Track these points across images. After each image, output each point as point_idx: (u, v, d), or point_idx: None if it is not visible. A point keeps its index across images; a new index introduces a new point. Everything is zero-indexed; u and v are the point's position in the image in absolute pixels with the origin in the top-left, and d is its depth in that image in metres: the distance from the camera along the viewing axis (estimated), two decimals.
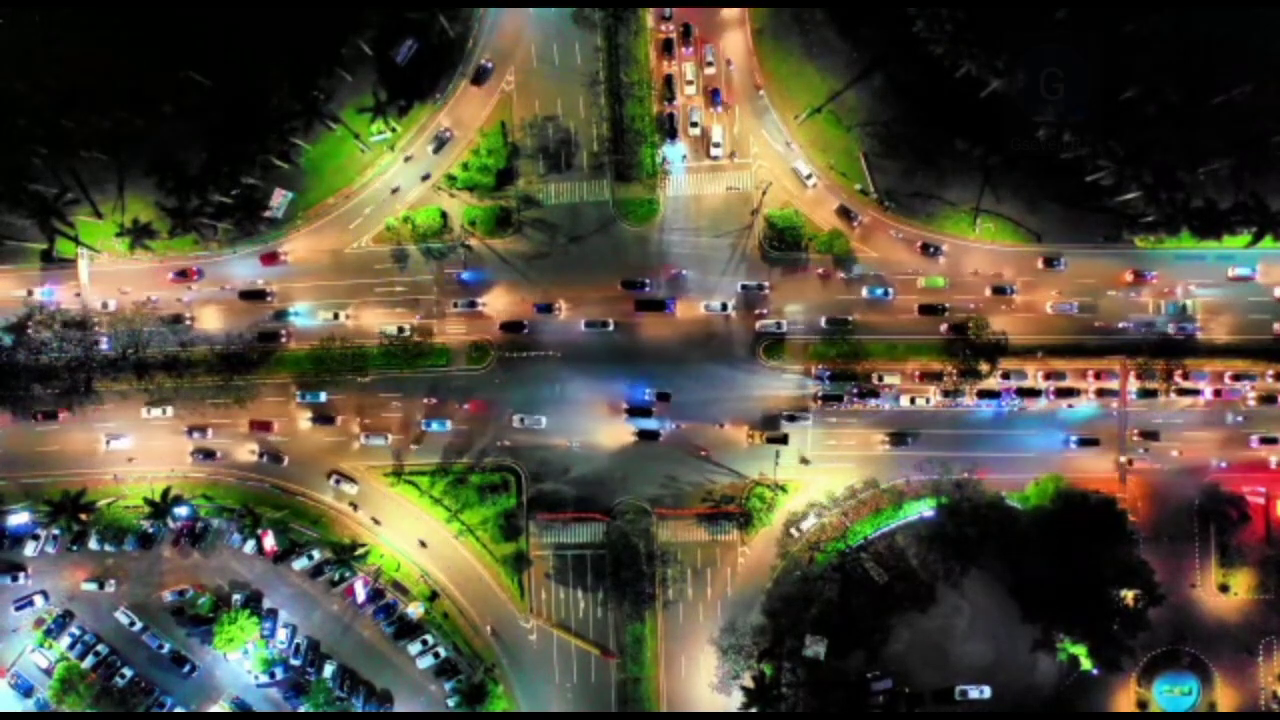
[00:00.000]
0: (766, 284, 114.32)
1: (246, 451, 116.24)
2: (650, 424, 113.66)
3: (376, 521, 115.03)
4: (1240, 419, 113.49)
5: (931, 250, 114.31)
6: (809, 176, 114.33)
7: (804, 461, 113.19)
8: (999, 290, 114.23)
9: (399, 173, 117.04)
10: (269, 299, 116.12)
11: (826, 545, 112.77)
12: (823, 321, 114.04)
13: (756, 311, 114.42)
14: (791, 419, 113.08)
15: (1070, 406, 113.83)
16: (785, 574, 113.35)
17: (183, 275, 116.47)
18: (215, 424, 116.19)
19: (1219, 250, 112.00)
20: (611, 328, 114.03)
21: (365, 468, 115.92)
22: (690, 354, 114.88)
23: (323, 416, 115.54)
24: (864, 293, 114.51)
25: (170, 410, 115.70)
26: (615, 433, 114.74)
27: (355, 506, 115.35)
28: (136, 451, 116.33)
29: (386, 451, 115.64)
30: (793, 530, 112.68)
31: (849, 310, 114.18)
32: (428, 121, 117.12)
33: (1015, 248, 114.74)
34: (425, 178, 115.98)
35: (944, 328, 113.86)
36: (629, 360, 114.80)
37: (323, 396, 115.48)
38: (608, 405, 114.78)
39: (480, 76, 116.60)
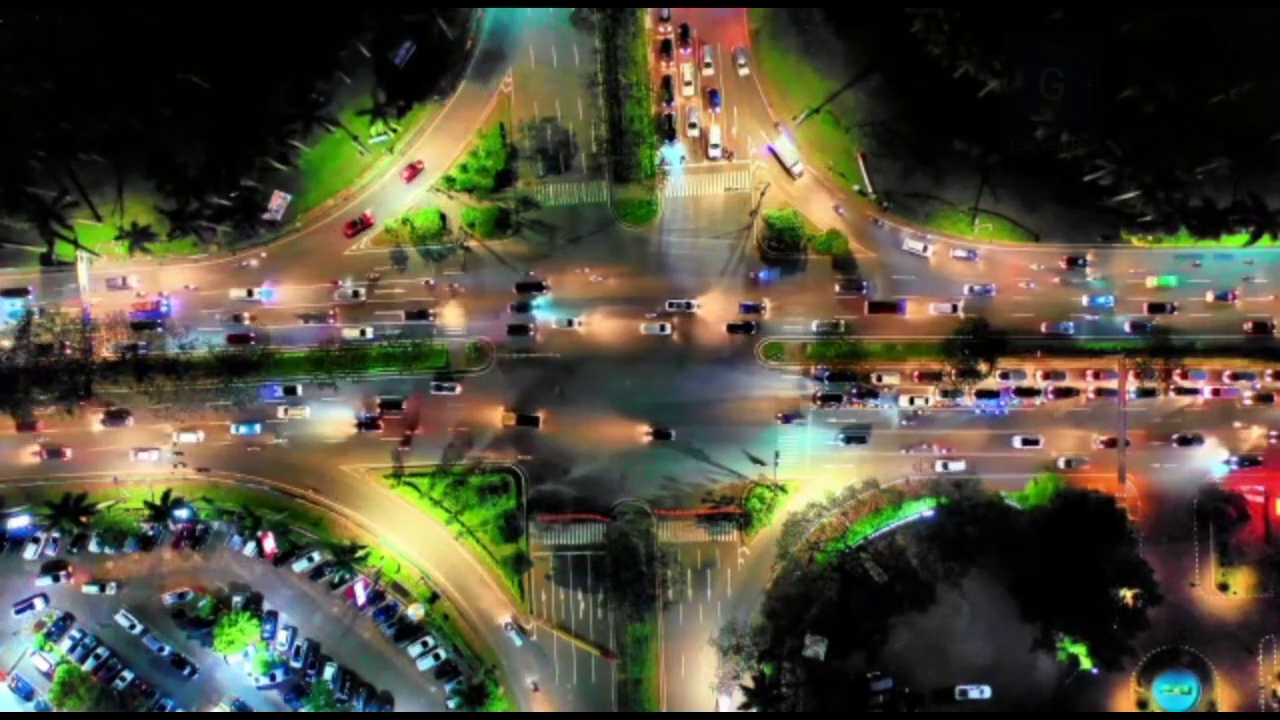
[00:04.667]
0: (994, 286, 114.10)
1: (29, 454, 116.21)
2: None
3: (205, 469, 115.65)
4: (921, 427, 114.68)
5: (1081, 263, 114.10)
6: (925, 248, 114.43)
7: (776, 455, 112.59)
8: (1221, 296, 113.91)
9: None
10: (545, 290, 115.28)
11: (826, 545, 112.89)
12: (1127, 326, 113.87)
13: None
14: (859, 439, 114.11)
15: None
16: (785, 574, 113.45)
17: (357, 225, 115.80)
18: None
19: (1217, 249, 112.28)
20: (843, 328, 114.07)
21: (365, 469, 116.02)
22: (689, 354, 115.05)
23: (115, 415, 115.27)
24: (1084, 300, 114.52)
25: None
26: (613, 434, 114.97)
27: (181, 463, 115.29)
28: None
29: (386, 453, 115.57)
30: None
31: (1075, 316, 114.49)
32: (426, 123, 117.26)
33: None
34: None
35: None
36: (628, 361, 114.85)
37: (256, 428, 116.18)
38: (607, 406, 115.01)
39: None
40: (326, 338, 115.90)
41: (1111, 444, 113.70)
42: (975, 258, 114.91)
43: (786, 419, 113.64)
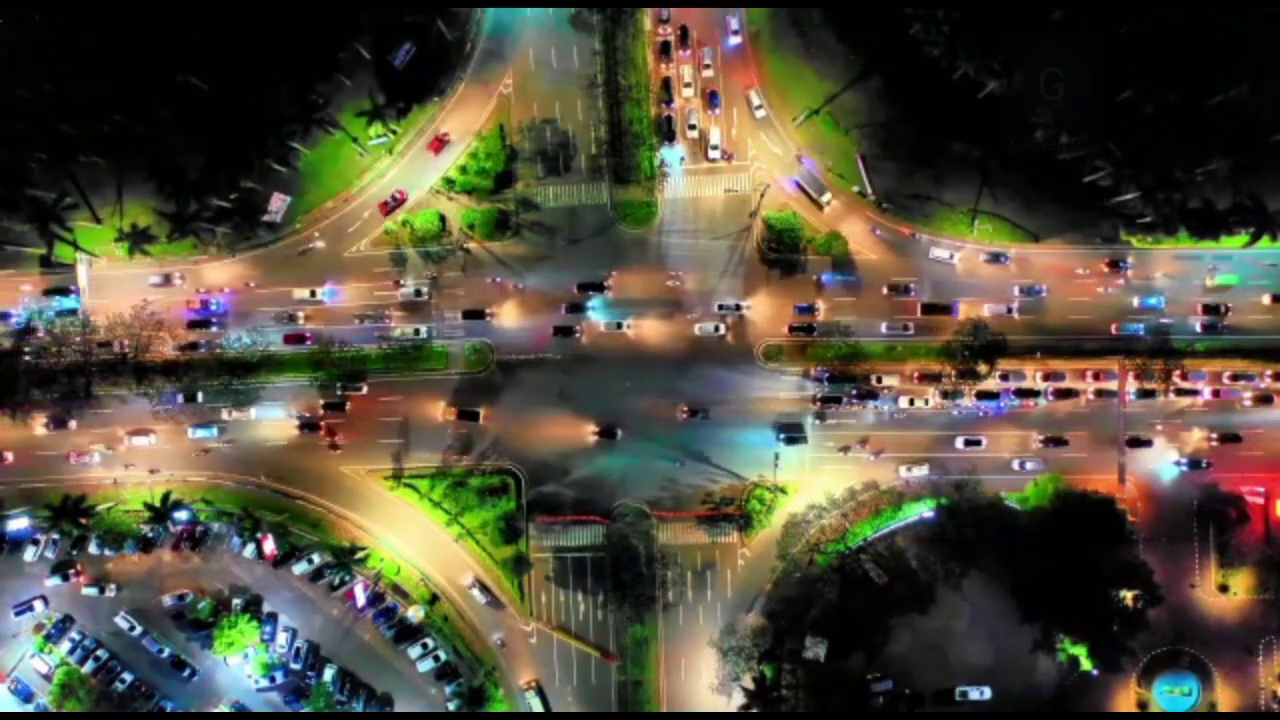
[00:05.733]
0: (1044, 287, 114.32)
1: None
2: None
3: (155, 470, 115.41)
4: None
5: (1122, 265, 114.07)
6: (952, 255, 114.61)
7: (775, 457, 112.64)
8: (1278, 298, 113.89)
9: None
10: (606, 290, 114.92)
11: (826, 547, 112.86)
12: (1198, 326, 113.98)
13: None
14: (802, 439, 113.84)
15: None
16: (785, 576, 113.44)
17: (390, 204, 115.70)
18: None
19: (1216, 250, 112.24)
20: (911, 331, 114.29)
21: (365, 471, 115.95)
22: (689, 357, 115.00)
23: (57, 419, 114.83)
24: (1135, 302, 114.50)
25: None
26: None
27: (129, 464, 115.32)
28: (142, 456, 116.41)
29: (386, 455, 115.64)
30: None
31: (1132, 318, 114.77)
32: (426, 124, 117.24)
33: None
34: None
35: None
36: (629, 364, 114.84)
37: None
38: (605, 407, 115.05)
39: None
40: (319, 340, 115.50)
41: (1054, 443, 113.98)
42: (1006, 260, 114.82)
43: (692, 414, 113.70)
